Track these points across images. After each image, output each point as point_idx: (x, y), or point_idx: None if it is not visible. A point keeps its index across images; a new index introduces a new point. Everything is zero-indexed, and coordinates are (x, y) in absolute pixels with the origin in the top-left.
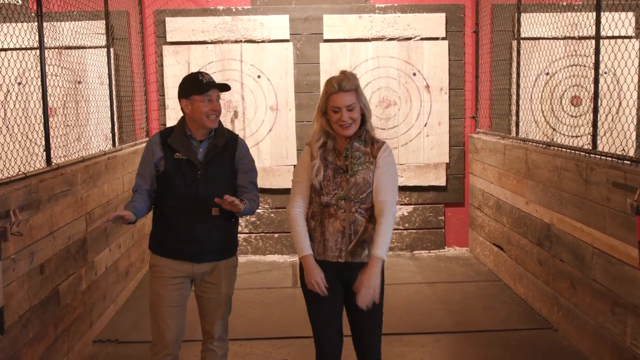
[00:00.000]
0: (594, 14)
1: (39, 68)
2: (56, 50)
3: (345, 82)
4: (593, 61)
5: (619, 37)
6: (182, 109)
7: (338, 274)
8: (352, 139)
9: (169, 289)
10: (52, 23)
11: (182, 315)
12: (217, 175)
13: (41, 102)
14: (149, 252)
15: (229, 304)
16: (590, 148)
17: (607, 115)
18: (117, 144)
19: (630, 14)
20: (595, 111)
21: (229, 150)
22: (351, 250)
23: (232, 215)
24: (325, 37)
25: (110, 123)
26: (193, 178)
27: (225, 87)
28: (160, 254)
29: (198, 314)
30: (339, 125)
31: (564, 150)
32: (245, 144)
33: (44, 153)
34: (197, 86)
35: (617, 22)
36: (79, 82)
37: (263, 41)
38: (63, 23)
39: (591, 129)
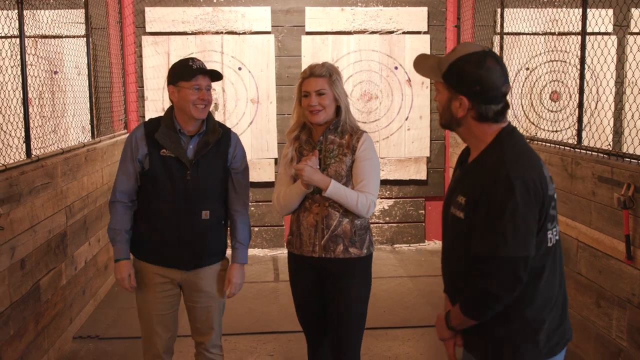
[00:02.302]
0: (575, 10)
1: (16, 57)
2: (32, 39)
3: (318, 68)
4: (573, 57)
5: (598, 33)
6: (170, 98)
7: (314, 268)
8: (325, 130)
9: (157, 297)
10: (29, 11)
11: (173, 322)
12: (208, 176)
13: (21, 92)
14: (132, 255)
15: (222, 310)
16: (575, 143)
17: (586, 110)
18: (95, 135)
19: (609, 11)
20: (581, 106)
21: (221, 147)
22: (324, 245)
23: (222, 218)
24: (307, 29)
25: (89, 114)
26: (182, 178)
27: (216, 75)
28: (144, 259)
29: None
30: (308, 111)
31: (548, 144)
32: (238, 137)
33: (24, 145)
34: (185, 72)
35: (597, 19)
36: (56, 72)
37: (244, 33)
38: (41, 11)
39: (571, 123)
